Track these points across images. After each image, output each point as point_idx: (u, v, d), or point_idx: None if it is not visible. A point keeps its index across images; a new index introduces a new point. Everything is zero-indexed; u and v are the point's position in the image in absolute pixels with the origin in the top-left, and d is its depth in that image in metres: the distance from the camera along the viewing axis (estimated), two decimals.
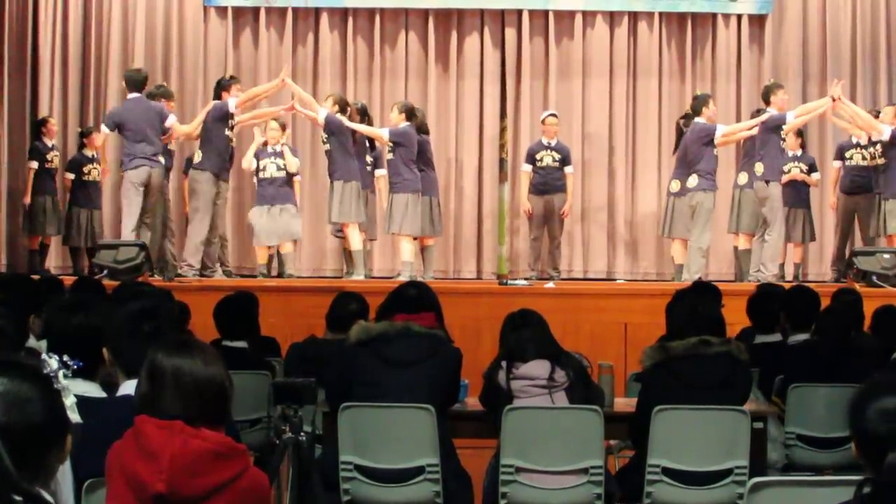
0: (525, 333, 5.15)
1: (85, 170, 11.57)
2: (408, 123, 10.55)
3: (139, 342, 3.44)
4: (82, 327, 3.76)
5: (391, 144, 10.50)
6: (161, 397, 2.87)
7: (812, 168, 11.38)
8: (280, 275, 10.93)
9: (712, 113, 10.75)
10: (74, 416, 2.78)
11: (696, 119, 10.64)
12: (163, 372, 2.89)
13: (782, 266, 10.94)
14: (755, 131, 10.61)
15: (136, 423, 2.87)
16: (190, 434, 2.81)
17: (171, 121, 10.46)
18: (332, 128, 10.48)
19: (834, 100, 10.81)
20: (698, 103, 10.77)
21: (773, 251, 10.48)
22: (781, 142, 10.56)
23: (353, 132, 10.56)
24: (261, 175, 10.80)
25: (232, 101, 10.44)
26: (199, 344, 3.01)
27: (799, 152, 11.30)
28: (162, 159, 10.35)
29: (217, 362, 2.92)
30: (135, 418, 2.88)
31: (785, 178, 10.88)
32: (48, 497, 2.23)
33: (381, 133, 10.70)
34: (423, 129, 10.92)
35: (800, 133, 11.34)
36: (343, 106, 10.64)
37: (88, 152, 11.59)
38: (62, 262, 12.20)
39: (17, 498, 2.11)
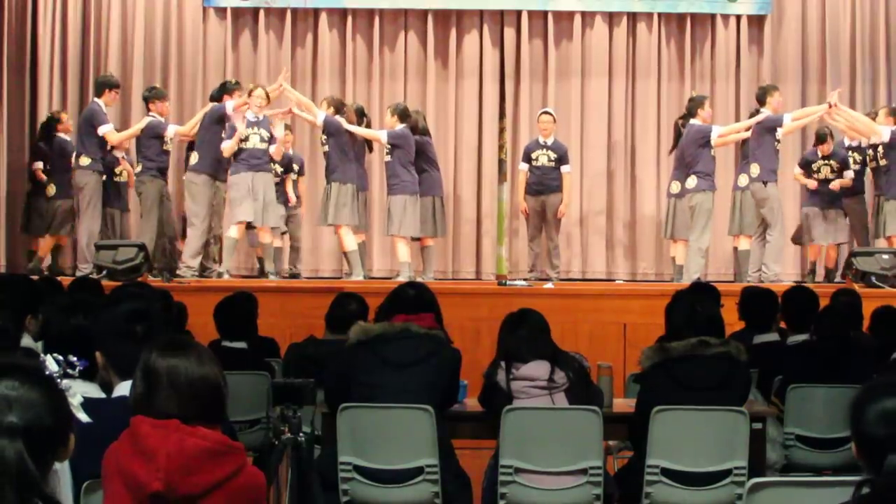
0: (525, 334, 5.15)
1: (116, 170, 11.35)
2: (402, 125, 10.57)
3: (132, 343, 3.45)
4: (81, 328, 3.76)
5: (389, 146, 10.51)
6: (156, 397, 2.87)
7: (844, 165, 11.24)
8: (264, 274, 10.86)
9: (707, 114, 10.76)
10: (82, 416, 2.78)
11: (692, 121, 10.66)
12: (157, 372, 2.89)
13: (814, 264, 11.04)
14: (751, 132, 10.63)
15: (132, 423, 2.87)
16: (186, 433, 2.81)
17: (104, 129, 10.58)
18: (330, 130, 10.49)
19: (830, 106, 10.82)
20: (693, 105, 10.80)
21: (776, 252, 10.48)
22: (776, 143, 10.56)
23: (351, 134, 10.58)
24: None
25: (230, 103, 10.47)
26: (193, 343, 3.01)
27: (828, 152, 11.23)
28: (84, 161, 10.55)
29: (211, 361, 2.93)
30: (131, 418, 2.89)
31: (812, 184, 10.95)
32: (59, 499, 2.25)
33: (379, 135, 10.71)
34: (423, 130, 10.92)
35: (829, 136, 11.24)
36: (339, 108, 10.65)
37: (118, 152, 11.36)
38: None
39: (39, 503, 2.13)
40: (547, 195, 11.17)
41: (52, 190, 10.95)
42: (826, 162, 11.20)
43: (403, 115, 10.64)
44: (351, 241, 10.54)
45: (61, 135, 11.08)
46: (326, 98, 10.99)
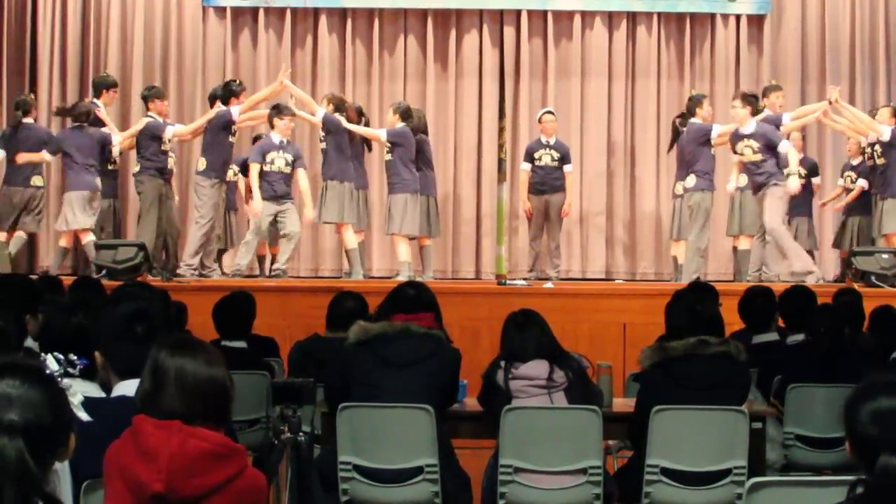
0: (526, 333, 5.15)
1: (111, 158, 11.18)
2: (402, 124, 10.56)
3: (132, 344, 3.45)
4: (81, 327, 3.76)
5: (389, 145, 10.51)
6: (162, 396, 2.88)
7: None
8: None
9: (706, 113, 10.74)
10: (83, 415, 2.78)
11: (692, 119, 10.66)
12: (165, 370, 2.89)
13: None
14: None
15: (134, 423, 2.87)
16: (188, 434, 2.81)
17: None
18: (329, 127, 10.50)
19: (831, 103, 10.83)
20: (692, 104, 10.79)
21: (776, 251, 10.47)
22: None
23: (351, 132, 10.58)
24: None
25: (235, 109, 10.48)
26: (202, 344, 3.01)
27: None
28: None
29: (220, 363, 2.93)
30: (133, 418, 2.88)
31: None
32: (60, 499, 2.25)
33: (378, 134, 10.71)
34: (422, 129, 10.92)
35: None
36: (339, 106, 10.65)
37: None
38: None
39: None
40: (550, 194, 11.17)
41: None
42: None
43: (405, 114, 10.64)
44: (352, 240, 10.55)
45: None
46: (327, 95, 10.99)
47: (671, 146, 11.06)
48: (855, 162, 11.32)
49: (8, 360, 2.38)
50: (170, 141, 10.70)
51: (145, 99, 10.85)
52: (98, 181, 10.41)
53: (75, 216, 10.35)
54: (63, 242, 10.75)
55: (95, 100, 10.82)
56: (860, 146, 11.24)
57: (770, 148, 10.04)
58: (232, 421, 3.43)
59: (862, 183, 11.09)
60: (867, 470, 2.47)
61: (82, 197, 10.38)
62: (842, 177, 11.41)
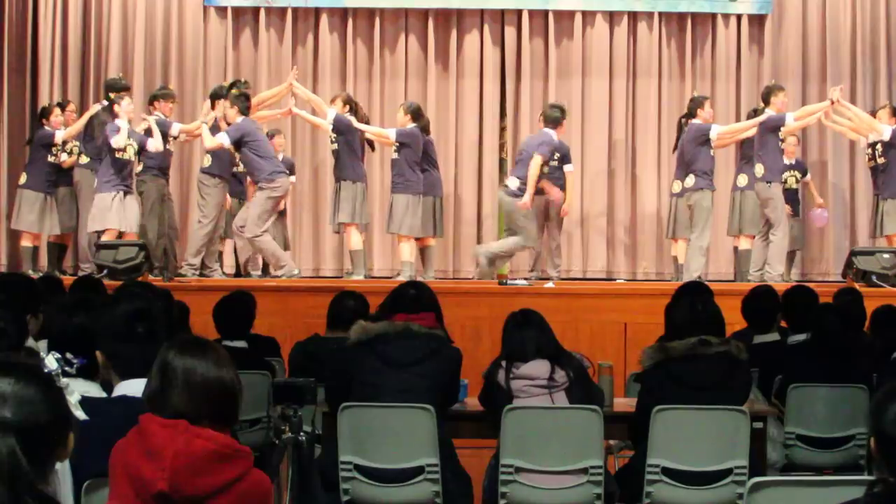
0: (526, 333, 5.15)
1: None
2: (414, 125, 10.56)
3: (133, 344, 3.45)
4: (83, 327, 3.76)
5: (397, 145, 10.50)
6: (170, 395, 2.88)
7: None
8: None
9: (708, 114, 10.75)
10: (80, 414, 2.78)
11: (693, 120, 10.67)
12: (174, 370, 2.90)
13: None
14: (754, 132, 10.63)
15: (140, 421, 2.88)
16: (194, 434, 2.81)
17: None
18: (340, 127, 10.48)
19: (832, 102, 10.84)
20: (694, 105, 10.82)
21: (779, 251, 10.47)
22: (780, 143, 10.58)
23: (361, 132, 10.58)
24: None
25: None
26: (212, 345, 3.02)
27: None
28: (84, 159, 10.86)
29: (229, 364, 2.94)
30: (140, 416, 2.89)
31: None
32: (57, 499, 2.24)
33: (387, 133, 10.69)
34: (426, 129, 10.92)
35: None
36: (352, 105, 10.66)
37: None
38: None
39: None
40: None
41: None
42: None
43: (416, 114, 10.63)
44: (357, 241, 10.55)
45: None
46: (340, 95, 10.98)
47: (676, 146, 11.07)
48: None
49: (3, 358, 2.38)
50: (175, 139, 10.71)
51: (154, 98, 10.82)
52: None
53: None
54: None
55: (105, 101, 10.81)
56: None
57: None
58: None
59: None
60: (891, 470, 2.46)
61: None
62: None
